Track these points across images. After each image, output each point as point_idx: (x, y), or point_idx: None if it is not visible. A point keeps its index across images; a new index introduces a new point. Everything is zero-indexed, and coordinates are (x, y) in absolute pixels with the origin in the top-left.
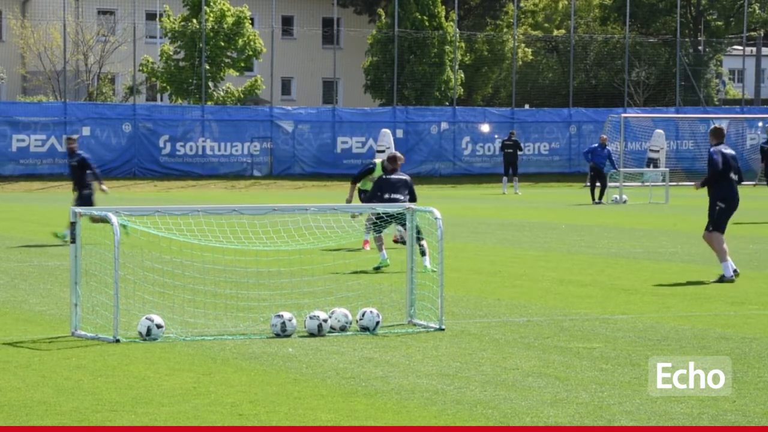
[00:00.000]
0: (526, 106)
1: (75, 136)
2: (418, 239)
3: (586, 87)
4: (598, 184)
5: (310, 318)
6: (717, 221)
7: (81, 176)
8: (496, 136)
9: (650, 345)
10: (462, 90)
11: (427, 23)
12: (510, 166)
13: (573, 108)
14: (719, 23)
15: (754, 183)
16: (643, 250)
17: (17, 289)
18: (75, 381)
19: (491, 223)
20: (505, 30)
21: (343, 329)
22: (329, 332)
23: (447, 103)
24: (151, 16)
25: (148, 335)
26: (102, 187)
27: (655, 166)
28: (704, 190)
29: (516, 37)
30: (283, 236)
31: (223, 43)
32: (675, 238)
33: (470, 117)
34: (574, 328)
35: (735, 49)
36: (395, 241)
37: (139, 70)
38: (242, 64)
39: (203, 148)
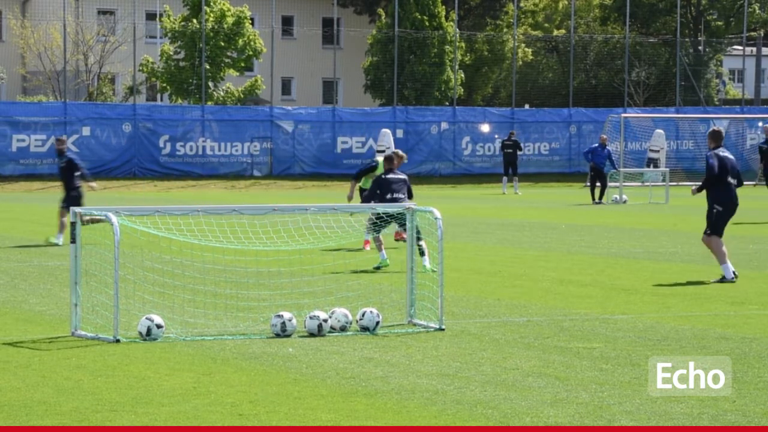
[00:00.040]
0: (526, 106)
1: (64, 138)
2: (417, 239)
3: (586, 87)
4: (598, 184)
5: (310, 318)
6: (715, 225)
7: (69, 177)
8: (496, 136)
9: (650, 345)
10: (462, 90)
11: (427, 23)
12: (510, 166)
13: (573, 108)
14: (719, 23)
15: (754, 183)
16: (643, 250)
17: (17, 289)
18: (75, 381)
19: (491, 223)
20: (505, 30)
21: (343, 329)
22: (329, 332)
23: (447, 103)
24: (151, 16)
25: (148, 335)
26: (91, 184)
27: (655, 166)
28: (703, 193)
29: (516, 37)
30: (283, 236)
31: (223, 43)
32: (675, 238)
33: (470, 117)
34: (574, 328)
35: (735, 49)
36: (397, 240)
37: (139, 70)
38: (242, 64)
39: (203, 148)
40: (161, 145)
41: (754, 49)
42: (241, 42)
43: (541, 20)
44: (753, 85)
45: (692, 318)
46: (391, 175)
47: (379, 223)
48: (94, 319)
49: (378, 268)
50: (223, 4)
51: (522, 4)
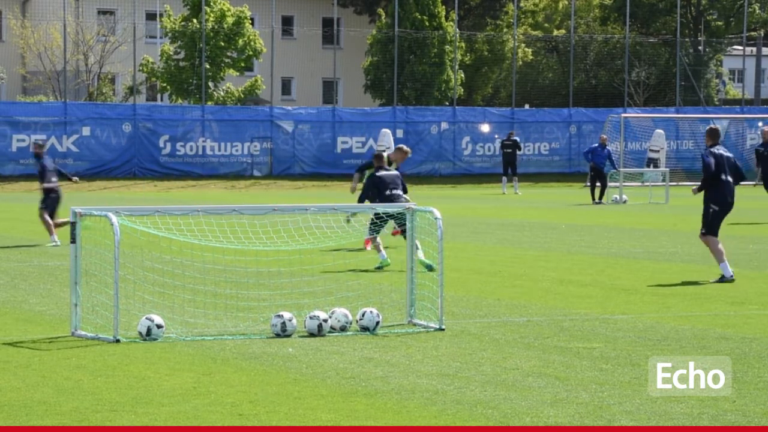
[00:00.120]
0: (526, 106)
1: (41, 142)
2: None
3: (586, 87)
4: (598, 184)
5: (310, 318)
6: (710, 224)
7: (42, 180)
8: (496, 136)
9: (650, 345)
10: (462, 90)
11: (427, 23)
12: (509, 166)
13: (573, 108)
14: (719, 23)
15: (754, 183)
16: (643, 250)
17: (17, 289)
18: (75, 381)
19: (491, 223)
20: (505, 30)
21: (343, 329)
22: (329, 332)
23: (447, 103)
24: (151, 16)
25: (148, 335)
26: (73, 178)
27: (655, 166)
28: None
29: (516, 37)
30: (283, 236)
31: (223, 43)
32: (675, 238)
33: (470, 117)
34: (574, 328)
35: (735, 49)
36: (394, 235)
37: (139, 70)
38: (242, 64)
39: (203, 148)
40: (161, 145)
41: (754, 49)
42: (241, 42)
43: (541, 20)
44: (753, 85)
45: (692, 318)
46: (383, 173)
47: (378, 222)
48: (94, 319)
49: (379, 267)
50: (223, 4)
51: (522, 4)
